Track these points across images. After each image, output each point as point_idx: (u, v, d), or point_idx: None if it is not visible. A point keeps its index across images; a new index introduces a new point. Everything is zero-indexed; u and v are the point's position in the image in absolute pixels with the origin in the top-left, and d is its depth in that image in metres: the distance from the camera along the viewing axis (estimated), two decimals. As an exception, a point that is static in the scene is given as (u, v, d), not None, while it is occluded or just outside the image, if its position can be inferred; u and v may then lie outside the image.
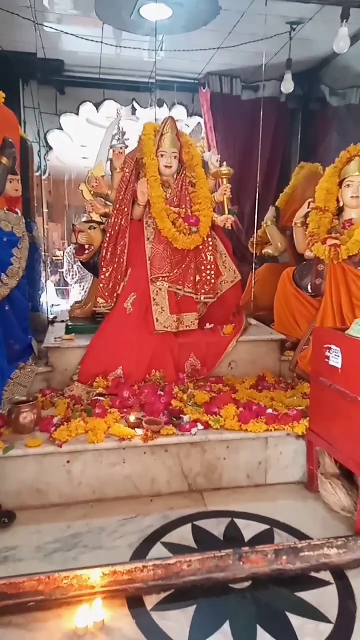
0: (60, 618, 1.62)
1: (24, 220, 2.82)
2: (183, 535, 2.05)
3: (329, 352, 2.14)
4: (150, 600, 1.69)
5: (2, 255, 2.59)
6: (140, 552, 1.93)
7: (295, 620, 1.64)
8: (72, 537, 2.02)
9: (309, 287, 3.17)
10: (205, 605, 1.67)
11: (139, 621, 1.61)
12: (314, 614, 1.67)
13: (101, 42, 4.26)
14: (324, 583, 1.82)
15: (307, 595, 1.75)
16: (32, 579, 1.68)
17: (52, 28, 4.06)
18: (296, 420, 2.41)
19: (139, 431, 2.31)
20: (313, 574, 1.85)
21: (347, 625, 1.63)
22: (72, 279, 6.56)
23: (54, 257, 8.06)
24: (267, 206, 4.12)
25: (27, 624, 1.60)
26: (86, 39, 4.17)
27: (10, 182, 2.82)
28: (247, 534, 2.06)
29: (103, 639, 1.56)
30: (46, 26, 4.02)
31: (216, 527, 2.10)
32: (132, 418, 2.40)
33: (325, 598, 1.74)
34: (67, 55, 4.63)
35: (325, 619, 1.65)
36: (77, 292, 6.40)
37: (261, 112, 3.97)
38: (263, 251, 4.07)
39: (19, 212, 2.86)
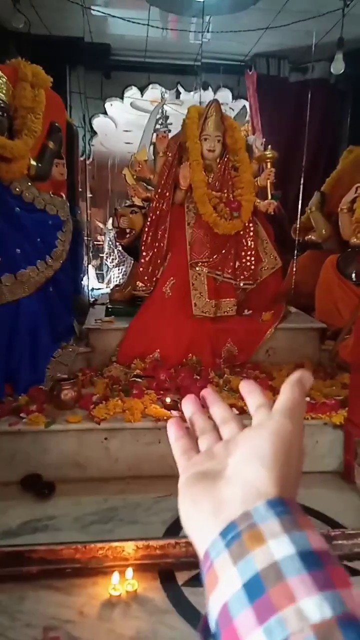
0: (97, 585, 1.70)
1: (68, 204, 2.89)
2: (216, 516, 2.08)
3: (371, 341, 2.08)
4: (181, 576, 1.74)
5: (48, 238, 2.67)
6: (173, 530, 1.97)
7: (326, 607, 1.64)
8: (108, 511, 2.10)
9: (353, 275, 3.09)
10: (236, 585, 1.70)
11: (170, 594, 1.66)
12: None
13: (148, 24, 4.23)
14: (357, 573, 1.80)
15: (339, 584, 1.74)
16: (70, 548, 1.76)
17: (99, 12, 4.07)
18: (334, 410, 2.38)
19: (175, 413, 2.35)
20: (346, 562, 1.83)
21: (380, 616, 1.61)
22: (112, 262, 6.66)
23: (95, 242, 8.21)
24: (313, 191, 4.01)
25: (66, 588, 1.69)
26: (133, 22, 4.16)
27: (57, 166, 2.88)
28: (280, 520, 2.06)
29: (135, 608, 1.62)
30: (94, 9, 4.04)
31: (249, 511, 2.11)
32: (168, 400, 2.44)
33: (358, 587, 1.73)
34: (113, 39, 4.64)
35: (357, 608, 1.64)
36: (115, 276, 6.50)
37: (309, 95, 3.84)
38: (306, 238, 3.97)
39: (63, 196, 2.93)
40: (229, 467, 0.34)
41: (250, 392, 0.40)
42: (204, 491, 0.33)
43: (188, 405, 0.44)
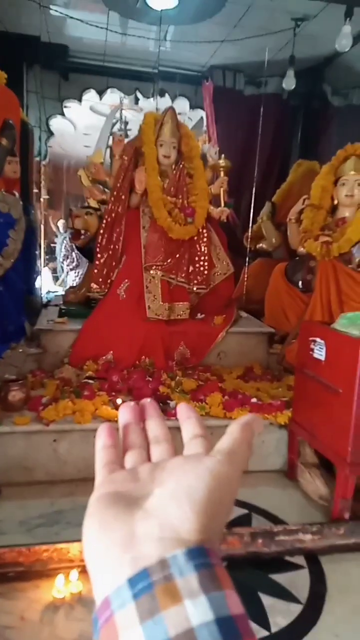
0: (39, 588, 1.67)
1: (21, 203, 2.84)
2: (163, 516, 2.10)
3: (314, 344, 2.18)
4: (127, 575, 1.74)
5: (-2, 236, 2.62)
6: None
7: (266, 600, 1.69)
8: (55, 514, 2.07)
9: (300, 283, 3.22)
10: (181, 582, 1.72)
11: (115, 594, 1.66)
12: (285, 595, 1.73)
13: (106, 29, 4.25)
14: (297, 567, 1.87)
15: (280, 578, 1.80)
16: (13, 551, 1.72)
17: (57, 12, 4.05)
18: (280, 411, 2.47)
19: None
20: (287, 558, 1.91)
21: (317, 607, 1.69)
22: (69, 265, 6.57)
23: (51, 244, 8.05)
24: (264, 201, 4.16)
25: (7, 592, 1.65)
26: (91, 25, 4.16)
27: (9, 163, 2.83)
28: (226, 518, 2.11)
29: (79, 611, 1.61)
30: (52, 9, 4.01)
31: (196, 510, 2.15)
32: (119, 401, 2.44)
33: (298, 581, 1.80)
34: (71, 41, 4.62)
35: (296, 600, 1.71)
36: (72, 279, 6.41)
37: (262, 109, 3.99)
38: (257, 246, 4.11)
39: (16, 194, 2.88)
40: (151, 497, 0.30)
41: (187, 419, 0.37)
42: (117, 518, 0.29)
43: (124, 413, 0.40)
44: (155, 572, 0.25)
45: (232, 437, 0.33)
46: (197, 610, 0.23)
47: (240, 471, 0.31)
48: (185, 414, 0.38)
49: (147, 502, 0.29)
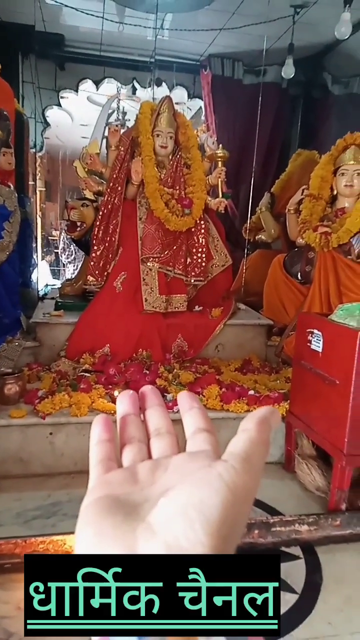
0: (36, 580, 1.68)
1: (16, 195, 2.82)
2: (160, 508, 2.10)
3: (311, 336, 2.17)
4: (123, 567, 1.74)
5: (-7, 228, 2.60)
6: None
7: (262, 590, 1.70)
8: (52, 506, 2.07)
9: (298, 274, 3.20)
10: (177, 573, 1.73)
11: (111, 585, 1.67)
12: (281, 585, 1.73)
13: (103, 17, 4.19)
14: (293, 557, 1.88)
15: (276, 568, 1.81)
16: (9, 542, 1.73)
17: (53, 0, 3.99)
18: (277, 403, 2.46)
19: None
20: (284, 548, 1.91)
21: (312, 596, 1.69)
22: (67, 258, 6.55)
23: (49, 237, 8.02)
24: (263, 192, 4.12)
25: (3, 583, 1.65)
26: (88, 14, 4.11)
27: (4, 155, 2.81)
28: (223, 509, 2.11)
29: (76, 601, 1.62)
30: (47, -2, 3.96)
31: (193, 502, 2.15)
32: (116, 394, 2.44)
33: (294, 571, 1.80)
34: (67, 30, 4.56)
35: (291, 590, 1.71)
36: (70, 272, 6.41)
37: (261, 98, 3.94)
38: (256, 237, 4.08)
39: (11, 185, 2.85)
40: (155, 507, 0.26)
41: (190, 409, 0.33)
42: (115, 530, 0.25)
43: (122, 402, 0.36)
44: None
45: (248, 437, 0.28)
46: None
47: (258, 480, 0.27)
48: (188, 404, 0.33)
49: (150, 514, 0.26)
